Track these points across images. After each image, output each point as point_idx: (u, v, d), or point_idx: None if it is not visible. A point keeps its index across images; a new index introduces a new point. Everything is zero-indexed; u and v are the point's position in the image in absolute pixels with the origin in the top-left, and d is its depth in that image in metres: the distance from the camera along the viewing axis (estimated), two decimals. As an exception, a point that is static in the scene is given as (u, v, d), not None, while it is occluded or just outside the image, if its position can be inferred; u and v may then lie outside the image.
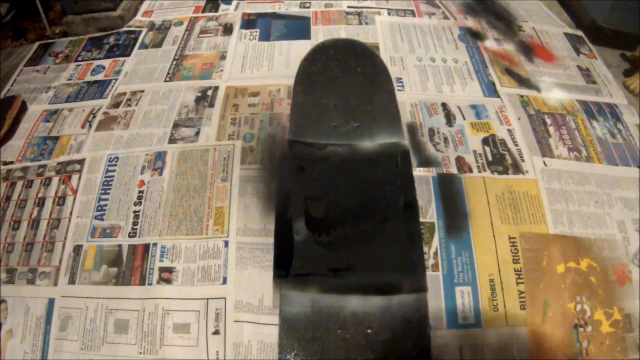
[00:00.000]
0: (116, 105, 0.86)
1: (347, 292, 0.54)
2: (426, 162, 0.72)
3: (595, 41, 0.99)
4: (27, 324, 0.61)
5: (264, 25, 1.01)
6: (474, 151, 0.74)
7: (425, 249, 0.62)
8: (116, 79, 0.92)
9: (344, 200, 0.61)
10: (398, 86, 0.84)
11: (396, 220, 0.59)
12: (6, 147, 0.82)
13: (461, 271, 0.61)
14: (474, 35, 0.97)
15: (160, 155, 0.75)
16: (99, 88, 0.90)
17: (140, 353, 0.56)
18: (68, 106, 0.88)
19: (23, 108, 0.88)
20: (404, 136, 0.67)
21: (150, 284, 0.61)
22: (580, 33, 1.01)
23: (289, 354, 0.53)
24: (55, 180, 0.75)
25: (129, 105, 0.85)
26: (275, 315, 0.57)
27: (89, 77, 0.94)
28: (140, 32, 1.03)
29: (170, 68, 0.92)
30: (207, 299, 0.59)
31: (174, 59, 0.94)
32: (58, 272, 0.65)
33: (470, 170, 0.71)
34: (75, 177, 0.75)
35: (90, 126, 0.82)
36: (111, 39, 1.03)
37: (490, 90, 0.85)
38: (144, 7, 1.12)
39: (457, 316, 0.58)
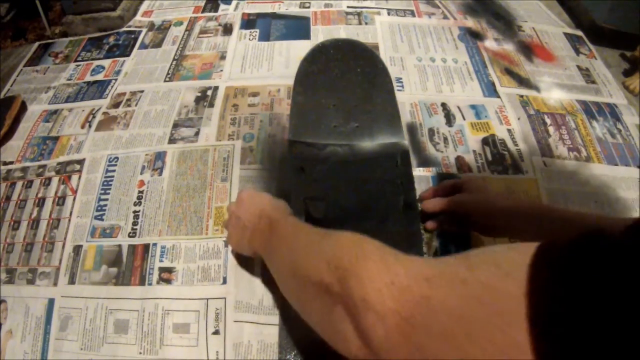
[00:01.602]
0: (116, 105, 0.86)
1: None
2: (426, 162, 0.72)
3: (595, 41, 0.99)
4: (27, 324, 0.61)
5: (264, 25, 1.01)
6: (474, 151, 0.74)
7: (425, 249, 0.62)
8: (116, 79, 0.92)
9: (344, 200, 0.61)
10: (398, 86, 0.84)
11: (396, 220, 0.59)
12: (6, 147, 0.82)
13: (461, 271, 0.61)
14: (474, 35, 0.97)
15: (160, 156, 0.75)
16: (99, 88, 0.90)
17: (140, 353, 0.56)
18: (68, 106, 0.88)
19: (23, 108, 0.88)
20: (404, 136, 0.67)
21: (150, 284, 0.61)
22: (580, 33, 1.01)
23: (289, 354, 0.53)
24: (55, 181, 0.75)
25: (129, 105, 0.85)
26: (275, 315, 0.57)
27: (88, 77, 0.94)
28: (140, 32, 1.03)
29: (170, 68, 0.92)
30: (207, 299, 0.59)
31: (174, 59, 0.94)
32: (58, 272, 0.65)
33: (470, 170, 0.71)
34: (75, 177, 0.75)
35: (90, 126, 0.82)
36: (111, 39, 1.03)
37: (490, 90, 0.85)
38: (143, 7, 1.12)
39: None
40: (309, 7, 1.05)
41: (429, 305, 0.24)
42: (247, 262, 0.62)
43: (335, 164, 0.64)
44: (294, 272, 0.38)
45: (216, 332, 0.57)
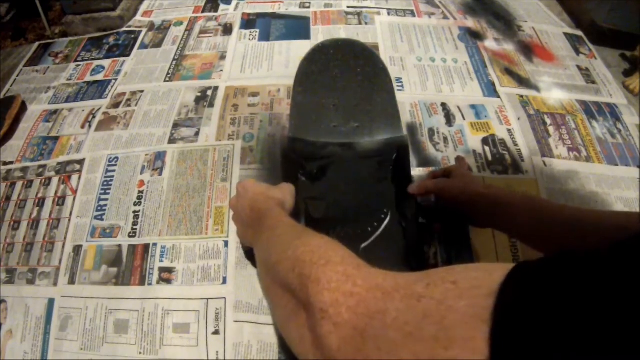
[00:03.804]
0: (116, 105, 0.86)
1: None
2: (426, 162, 0.72)
3: (595, 41, 0.99)
4: (27, 324, 0.61)
5: (264, 25, 1.01)
6: (474, 151, 0.74)
7: (425, 249, 0.62)
8: (116, 79, 0.92)
9: (344, 200, 0.61)
10: (398, 86, 0.84)
11: (395, 219, 0.59)
12: (6, 147, 0.82)
13: (461, 271, 0.61)
14: (474, 35, 0.97)
15: (160, 155, 0.75)
16: (99, 88, 0.91)
17: (140, 353, 0.56)
18: (68, 106, 0.88)
19: (23, 108, 0.88)
20: (403, 132, 0.67)
21: (150, 284, 0.61)
22: (580, 33, 1.01)
23: (289, 354, 0.53)
24: (55, 181, 0.75)
25: (129, 106, 0.85)
26: (275, 315, 0.57)
27: (88, 77, 0.94)
28: (140, 32, 1.03)
29: (170, 68, 0.92)
30: (207, 299, 0.59)
31: (174, 59, 0.94)
32: (58, 272, 0.65)
33: (470, 171, 0.71)
34: (75, 177, 0.75)
35: (90, 126, 0.82)
36: (111, 39, 1.03)
37: (490, 90, 0.85)
38: (143, 7, 1.12)
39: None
40: (309, 7, 1.05)
41: (382, 320, 0.23)
42: (247, 262, 0.62)
43: (335, 164, 0.64)
44: (268, 270, 0.38)
45: (216, 332, 0.57)
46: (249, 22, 1.02)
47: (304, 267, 0.30)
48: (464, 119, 0.79)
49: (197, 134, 0.78)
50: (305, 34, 0.97)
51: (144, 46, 0.99)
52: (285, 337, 0.33)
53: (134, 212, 0.69)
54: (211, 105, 0.83)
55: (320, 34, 0.97)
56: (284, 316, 0.33)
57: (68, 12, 1.06)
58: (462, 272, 0.22)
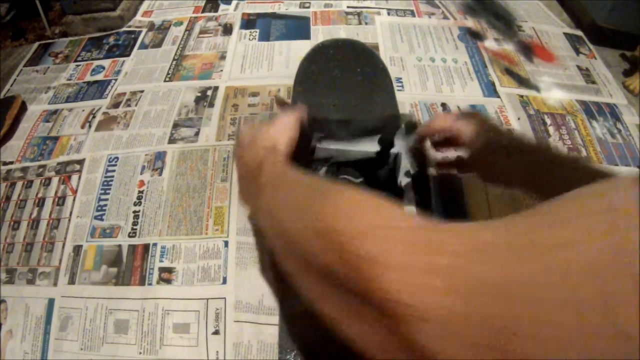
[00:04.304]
0: (116, 105, 0.86)
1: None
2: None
3: (595, 41, 0.99)
4: (27, 324, 0.61)
5: (264, 25, 1.01)
6: (474, 151, 0.74)
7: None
8: (116, 79, 0.92)
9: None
10: (398, 86, 0.84)
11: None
12: (6, 147, 0.82)
13: (461, 271, 0.61)
14: (474, 35, 0.97)
15: (160, 156, 0.75)
16: (99, 88, 0.90)
17: (140, 353, 0.56)
18: (68, 106, 0.88)
19: (23, 108, 0.88)
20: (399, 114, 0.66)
21: (150, 284, 0.61)
22: (580, 33, 1.01)
23: (289, 354, 0.53)
24: (55, 181, 0.75)
25: (129, 106, 0.85)
26: (275, 315, 0.57)
27: (88, 77, 0.94)
28: (140, 32, 1.03)
29: (170, 68, 0.92)
30: (207, 299, 0.59)
31: (174, 59, 0.94)
32: (58, 272, 0.65)
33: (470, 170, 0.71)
34: (75, 177, 0.75)
35: (90, 126, 0.82)
36: (111, 39, 1.03)
37: (490, 90, 0.85)
38: (143, 7, 1.12)
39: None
40: (309, 7, 1.05)
41: (498, 295, 0.16)
42: (247, 261, 0.62)
43: (335, 164, 0.64)
44: (285, 245, 0.28)
45: (216, 332, 0.57)
46: (249, 22, 1.02)
47: (344, 242, 0.21)
48: (464, 119, 0.79)
49: (197, 134, 0.78)
50: (305, 34, 0.97)
51: (144, 46, 0.99)
52: (337, 328, 0.24)
53: (134, 212, 0.69)
54: (211, 105, 0.83)
55: (320, 34, 0.97)
56: (334, 309, 0.23)
57: (68, 12, 1.06)
58: (610, 190, 0.15)
